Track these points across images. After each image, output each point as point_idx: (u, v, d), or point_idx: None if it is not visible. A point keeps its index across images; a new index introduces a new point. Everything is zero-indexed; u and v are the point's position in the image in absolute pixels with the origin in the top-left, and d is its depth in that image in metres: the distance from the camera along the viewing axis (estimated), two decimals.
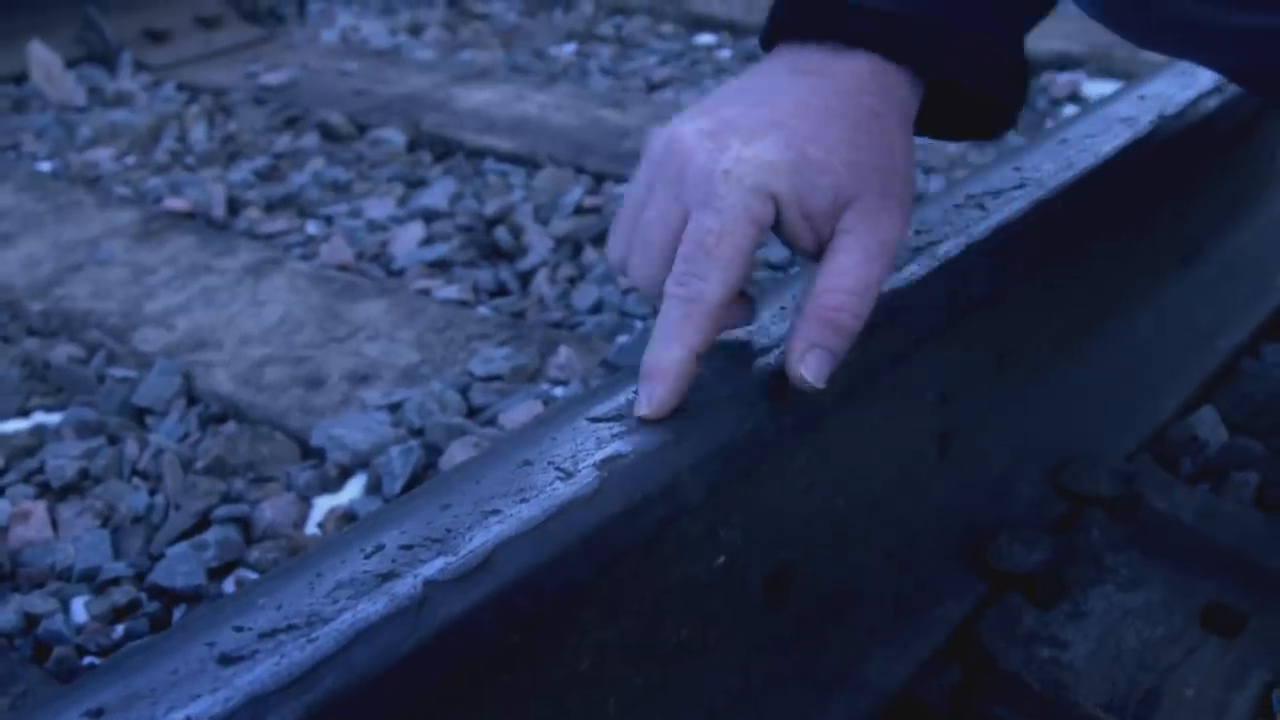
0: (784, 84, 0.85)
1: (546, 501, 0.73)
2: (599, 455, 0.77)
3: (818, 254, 0.83)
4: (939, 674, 1.02)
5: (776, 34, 0.88)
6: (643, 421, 0.81)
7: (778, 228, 0.82)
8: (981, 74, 0.87)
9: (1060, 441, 1.22)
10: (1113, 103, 1.31)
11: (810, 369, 0.81)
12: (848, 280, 0.81)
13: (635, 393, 0.82)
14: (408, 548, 0.70)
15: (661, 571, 0.81)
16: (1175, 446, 1.29)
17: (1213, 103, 1.30)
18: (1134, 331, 1.30)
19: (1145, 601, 1.07)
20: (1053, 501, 1.18)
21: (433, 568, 0.68)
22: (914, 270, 0.98)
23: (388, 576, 0.68)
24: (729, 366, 0.87)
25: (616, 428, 0.80)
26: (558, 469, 0.77)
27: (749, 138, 0.81)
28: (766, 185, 0.80)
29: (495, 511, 0.73)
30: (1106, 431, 1.27)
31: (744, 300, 0.85)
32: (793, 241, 0.83)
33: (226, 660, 0.63)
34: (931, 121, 0.93)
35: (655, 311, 0.82)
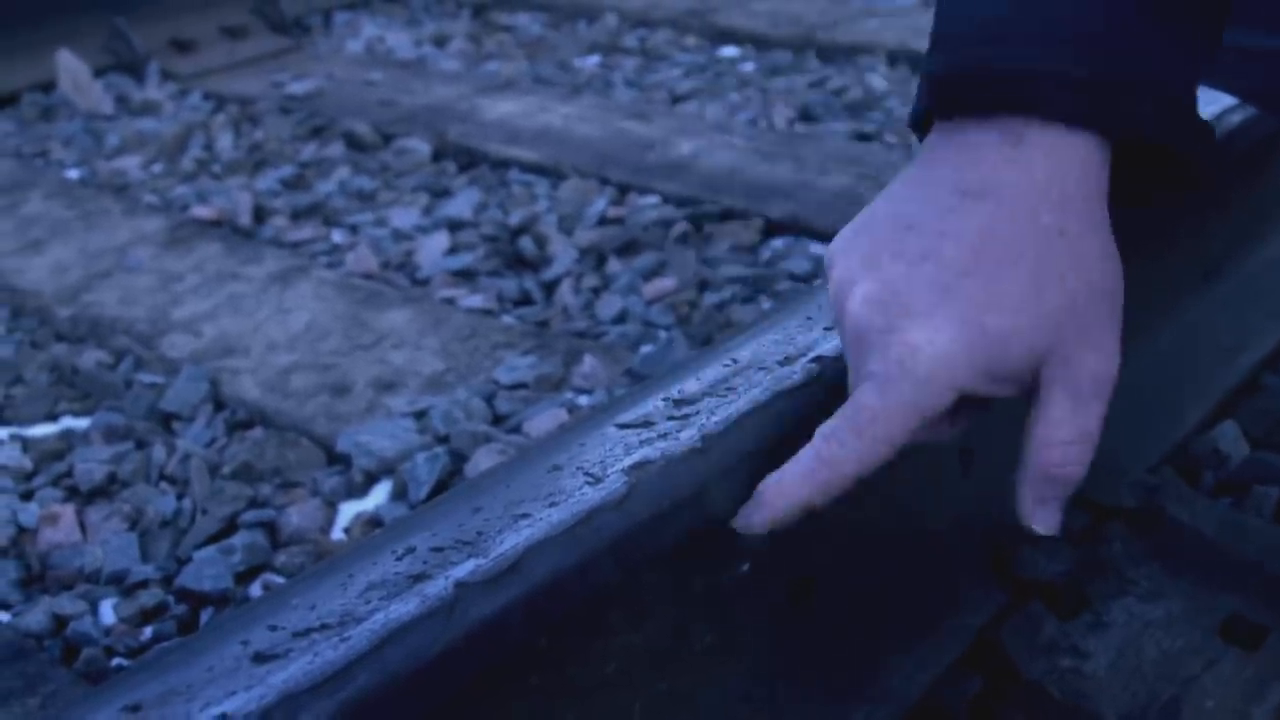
0: (950, 219, 0.76)
1: (576, 506, 0.74)
2: (627, 461, 0.78)
3: (1025, 395, 0.78)
4: (960, 682, 1.03)
5: (937, 110, 0.80)
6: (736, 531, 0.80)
7: (974, 395, 0.77)
8: (1165, 126, 0.78)
9: None
10: None
11: (1043, 523, 0.80)
12: (1064, 431, 0.77)
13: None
14: (439, 550, 0.71)
15: (687, 577, 0.82)
16: (1197, 460, 1.29)
17: (1236, 118, 1.31)
18: (1156, 346, 1.30)
19: (1166, 613, 1.07)
20: (1074, 513, 1.19)
21: (463, 570, 0.69)
22: None
23: (419, 578, 0.69)
24: (760, 374, 0.88)
25: (644, 434, 0.81)
26: (587, 474, 0.78)
27: (920, 318, 0.74)
28: (940, 378, 0.74)
29: (525, 515, 0.74)
30: (1128, 444, 1.27)
31: None
32: (996, 396, 0.78)
33: (261, 658, 0.64)
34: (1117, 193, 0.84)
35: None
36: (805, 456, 0.77)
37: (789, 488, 0.77)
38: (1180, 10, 0.77)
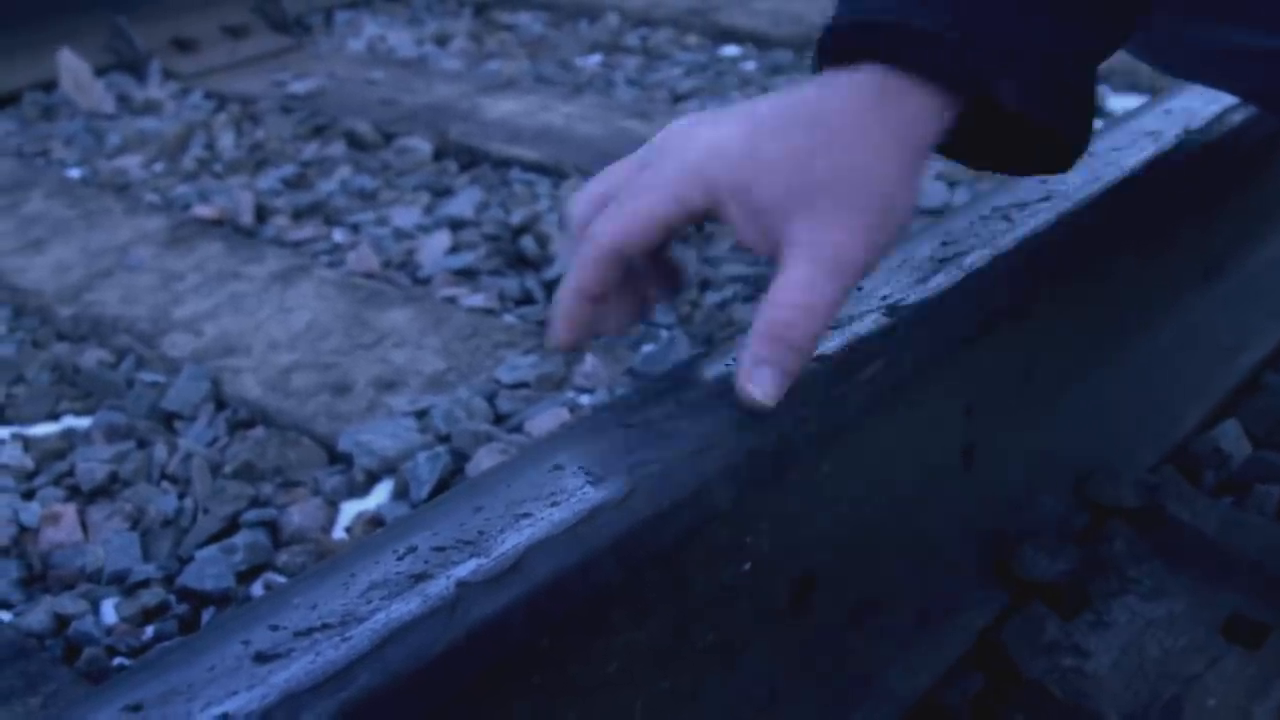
0: (791, 92, 0.82)
1: (577, 505, 0.74)
2: (629, 460, 0.78)
3: (771, 257, 0.81)
4: (961, 682, 1.03)
5: (818, 56, 0.85)
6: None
7: (733, 219, 0.80)
8: (1028, 95, 0.80)
9: (1084, 453, 1.22)
10: (1138, 117, 1.31)
11: (758, 386, 0.80)
12: (794, 295, 0.78)
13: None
14: (440, 549, 0.71)
15: (688, 576, 0.82)
16: (1198, 459, 1.29)
17: (1238, 117, 1.31)
18: (1158, 345, 1.30)
19: (1168, 612, 1.07)
20: (1076, 513, 1.19)
21: (465, 569, 0.69)
22: (940, 281, 0.98)
23: (420, 577, 0.69)
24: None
25: (646, 434, 0.81)
26: (588, 473, 0.78)
27: (715, 124, 0.81)
28: (705, 168, 0.79)
29: (527, 514, 0.74)
30: (1130, 444, 1.27)
31: (670, 268, 0.87)
32: (743, 239, 0.81)
33: (263, 658, 0.64)
34: (984, 152, 0.89)
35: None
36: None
37: (565, 283, 0.83)
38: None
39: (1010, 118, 0.83)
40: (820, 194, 0.78)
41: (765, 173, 0.78)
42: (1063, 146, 0.86)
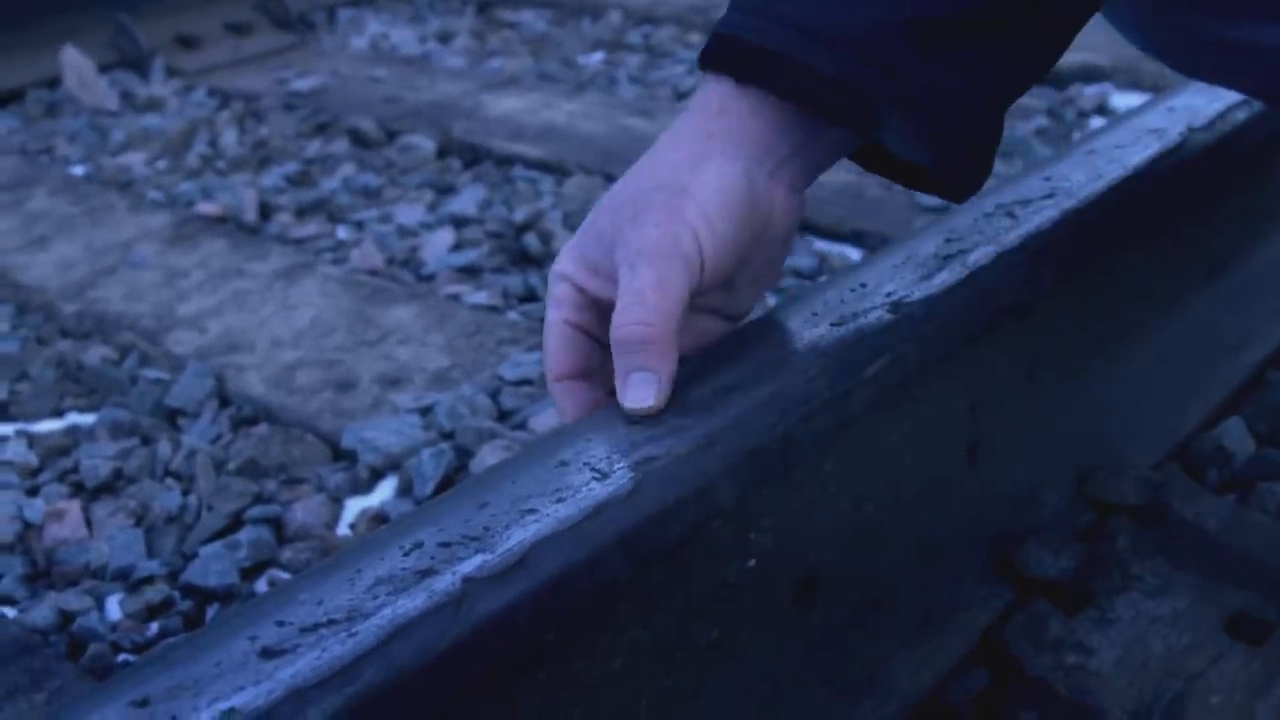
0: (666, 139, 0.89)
1: (583, 501, 0.75)
2: (634, 457, 0.78)
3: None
4: (965, 679, 1.03)
5: (705, 63, 0.88)
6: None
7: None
8: (910, 136, 0.84)
9: (1087, 451, 1.23)
10: (1141, 114, 1.31)
11: (632, 399, 0.82)
12: (625, 299, 0.82)
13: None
14: (446, 545, 0.72)
15: (693, 573, 0.82)
16: (1202, 457, 1.29)
17: (1241, 115, 1.31)
18: (1161, 342, 1.31)
19: (1171, 609, 1.07)
20: (1080, 510, 1.19)
21: (471, 565, 0.70)
22: (944, 278, 0.99)
23: (426, 573, 0.69)
24: (765, 371, 0.88)
25: (651, 431, 0.81)
26: (593, 470, 0.78)
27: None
28: (559, 268, 0.88)
29: (532, 510, 0.74)
30: (1133, 441, 1.27)
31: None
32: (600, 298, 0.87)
33: (269, 654, 0.64)
34: (881, 164, 0.94)
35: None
36: None
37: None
38: (961, 36, 0.82)
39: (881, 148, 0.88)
40: (622, 210, 0.85)
41: (591, 233, 0.86)
42: (938, 180, 0.88)
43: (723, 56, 0.85)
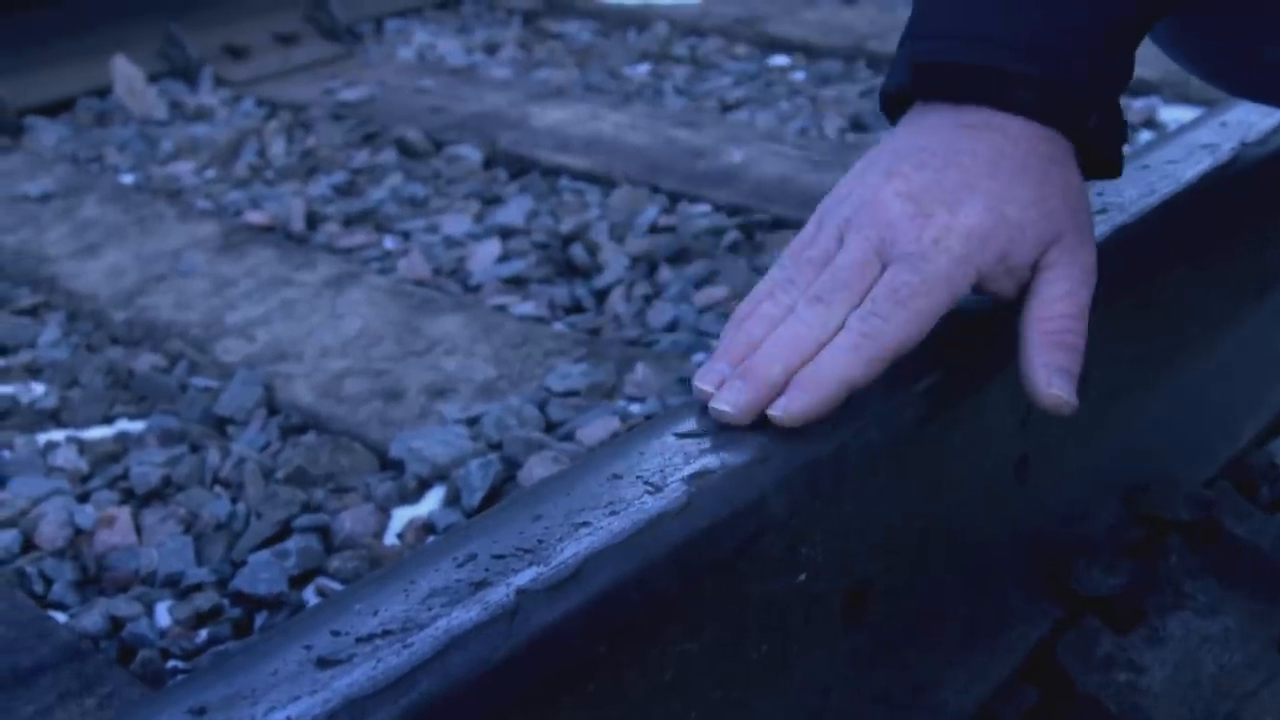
0: (963, 143, 0.87)
1: (636, 515, 0.75)
2: (687, 470, 0.78)
3: (1017, 296, 0.87)
4: (1016, 696, 1.02)
5: (918, 93, 0.90)
6: (775, 424, 0.81)
7: (984, 284, 0.86)
8: (1110, 141, 0.91)
9: (1138, 467, 1.22)
10: (1194, 129, 1.31)
11: (1061, 389, 0.84)
12: (1064, 305, 0.85)
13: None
14: (500, 557, 0.72)
15: (744, 586, 0.82)
16: (1254, 473, 1.29)
17: None
18: (1213, 358, 1.30)
19: (1223, 627, 1.07)
20: (1130, 527, 1.18)
21: (525, 577, 0.70)
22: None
23: (481, 585, 0.70)
24: None
25: (703, 444, 0.81)
26: (646, 483, 0.78)
27: (952, 206, 0.84)
28: (972, 256, 0.83)
29: (586, 524, 0.74)
30: (1185, 457, 1.27)
31: None
32: (996, 292, 0.87)
33: (325, 663, 0.65)
34: None
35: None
36: (843, 341, 0.82)
37: (830, 369, 0.81)
38: (1130, 37, 0.90)
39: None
40: (1062, 227, 0.86)
41: (1018, 234, 0.84)
42: (1105, 163, 0.93)
43: (933, 83, 0.89)
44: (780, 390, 0.82)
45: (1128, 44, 0.90)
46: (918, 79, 0.90)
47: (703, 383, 0.84)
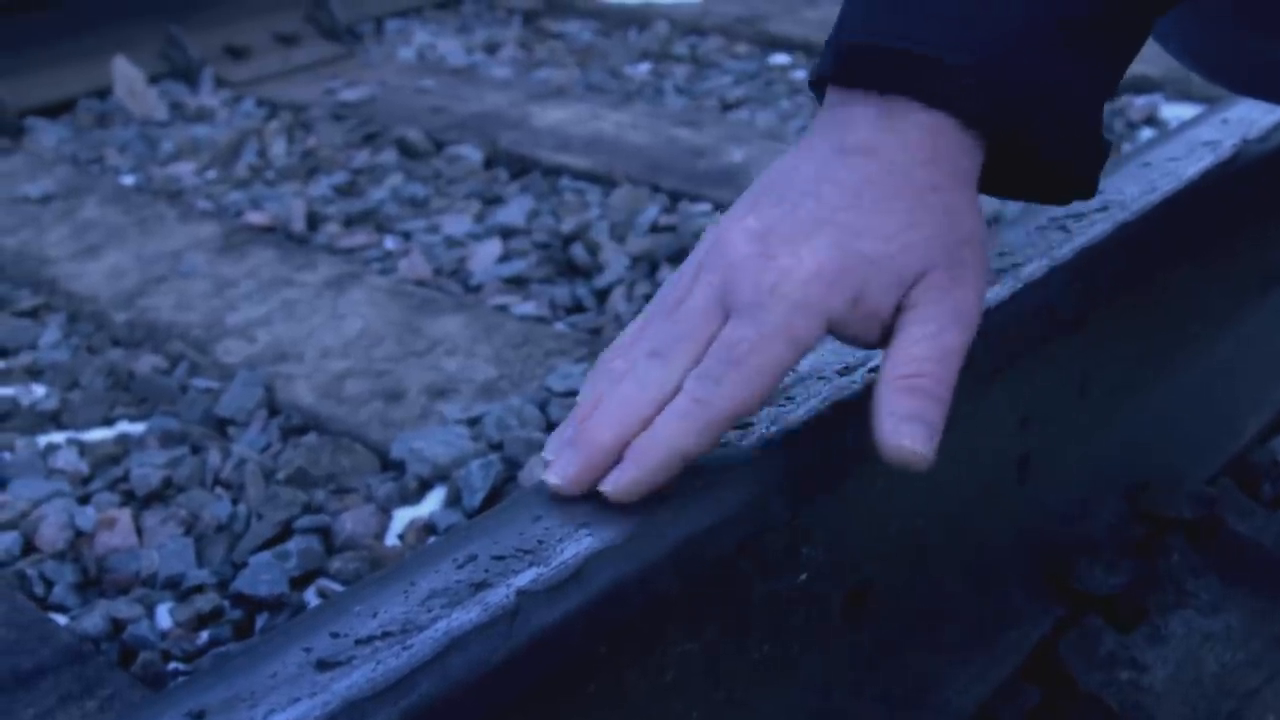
0: (831, 170, 0.78)
1: (636, 515, 0.74)
2: (687, 471, 0.78)
3: (884, 343, 0.78)
4: (1018, 695, 1.02)
5: (838, 78, 0.81)
6: (603, 498, 0.75)
7: (838, 330, 0.77)
8: (1057, 138, 0.79)
9: (1140, 465, 1.22)
10: (1195, 126, 1.30)
11: (910, 438, 0.74)
12: (921, 348, 0.76)
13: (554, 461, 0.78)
14: (500, 558, 0.72)
15: (745, 586, 0.82)
16: (1256, 471, 1.28)
17: None
18: (1214, 355, 1.30)
19: (1225, 626, 1.06)
20: (1132, 525, 1.18)
21: (525, 578, 0.70)
22: (997, 292, 0.98)
23: (481, 586, 0.69)
24: (818, 384, 0.87)
25: None
26: None
27: (795, 244, 0.75)
28: (813, 300, 0.74)
29: (586, 524, 0.74)
30: (1187, 455, 1.26)
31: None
32: (856, 339, 0.78)
33: (324, 665, 0.64)
34: (996, 181, 0.84)
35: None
36: (677, 406, 0.75)
37: (662, 439, 0.74)
38: (1097, 35, 0.78)
39: (1024, 153, 0.80)
40: (929, 262, 0.77)
41: (872, 272, 0.76)
42: (1074, 181, 0.83)
43: (897, 75, 0.78)
44: (615, 458, 0.75)
45: (1096, 47, 0.79)
46: (839, 64, 0.80)
47: (548, 451, 0.78)
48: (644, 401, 0.75)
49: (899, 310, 0.77)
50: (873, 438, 0.75)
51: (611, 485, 0.75)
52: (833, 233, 0.76)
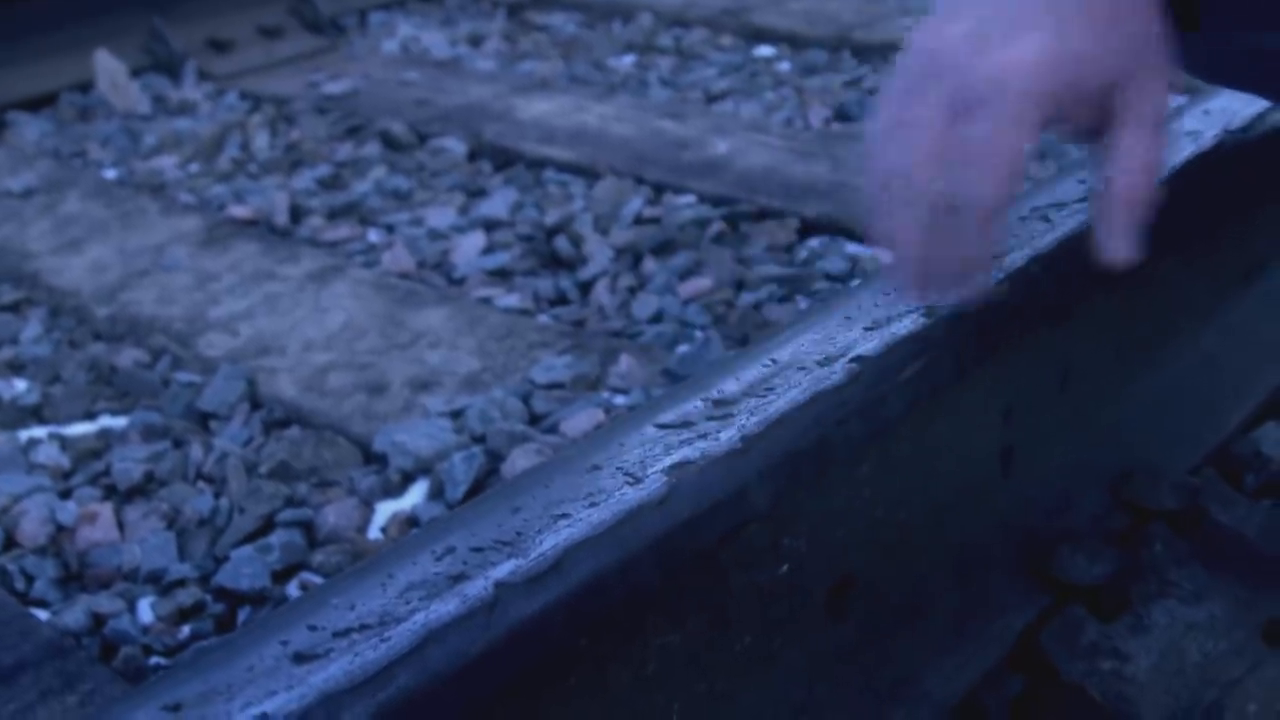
0: None
1: (616, 506, 0.74)
2: (667, 461, 0.78)
3: (1100, 134, 0.83)
4: (1001, 685, 1.02)
5: None
6: (958, 304, 0.86)
7: (1061, 120, 0.82)
8: None
9: (1123, 456, 1.22)
10: (1177, 117, 1.30)
11: (1125, 248, 0.83)
12: (1135, 161, 0.82)
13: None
14: (478, 550, 0.71)
15: (726, 578, 0.82)
16: (1239, 462, 1.28)
17: (1278, 117, 1.30)
18: (1198, 346, 1.29)
19: (1208, 615, 1.06)
20: (1115, 515, 1.18)
21: (503, 570, 0.69)
22: None
23: (459, 578, 0.69)
24: (799, 375, 0.87)
25: (684, 435, 0.81)
26: (626, 474, 0.77)
27: (1012, 41, 0.78)
28: (1034, 88, 0.78)
29: (565, 515, 0.74)
30: (1170, 446, 1.26)
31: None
32: (1071, 133, 0.84)
33: (301, 658, 0.64)
34: None
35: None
36: (938, 215, 0.80)
37: (965, 244, 0.81)
38: None
39: None
40: (1132, 63, 0.81)
41: (1084, 66, 0.79)
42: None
43: None
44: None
45: None
46: None
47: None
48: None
49: (1108, 113, 0.82)
50: (1094, 241, 0.84)
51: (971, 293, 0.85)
52: (1044, 32, 0.79)
